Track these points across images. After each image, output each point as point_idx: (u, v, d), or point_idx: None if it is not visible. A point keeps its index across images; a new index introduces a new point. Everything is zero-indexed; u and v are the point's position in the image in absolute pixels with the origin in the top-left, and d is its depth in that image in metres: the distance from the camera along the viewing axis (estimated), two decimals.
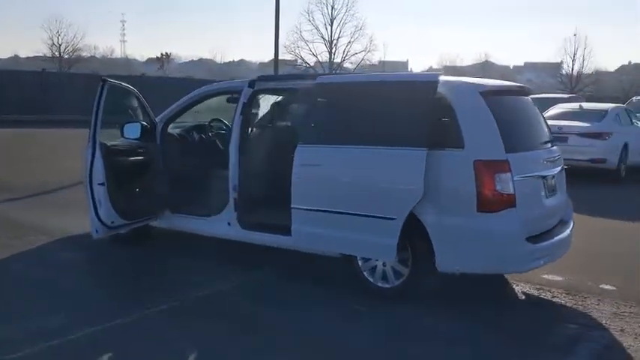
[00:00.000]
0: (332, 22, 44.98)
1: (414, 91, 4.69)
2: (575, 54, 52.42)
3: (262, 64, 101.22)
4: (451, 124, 4.63)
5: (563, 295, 5.21)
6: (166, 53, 55.22)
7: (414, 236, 4.69)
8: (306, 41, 45.06)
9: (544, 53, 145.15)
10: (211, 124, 6.87)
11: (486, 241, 4.56)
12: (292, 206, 5.08)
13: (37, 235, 6.73)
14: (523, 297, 5.24)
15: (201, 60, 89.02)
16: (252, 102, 5.81)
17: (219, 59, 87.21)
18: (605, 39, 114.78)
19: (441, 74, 4.73)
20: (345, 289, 5.13)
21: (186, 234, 6.33)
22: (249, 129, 5.92)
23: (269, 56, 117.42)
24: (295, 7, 48.30)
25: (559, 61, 55.90)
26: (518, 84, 5.42)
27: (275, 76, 7.07)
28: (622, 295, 5.17)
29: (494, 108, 4.68)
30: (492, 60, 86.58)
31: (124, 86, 5.86)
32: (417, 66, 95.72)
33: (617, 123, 12.36)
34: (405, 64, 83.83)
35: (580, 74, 51.68)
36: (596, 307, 4.94)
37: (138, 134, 5.90)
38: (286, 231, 5.19)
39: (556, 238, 4.92)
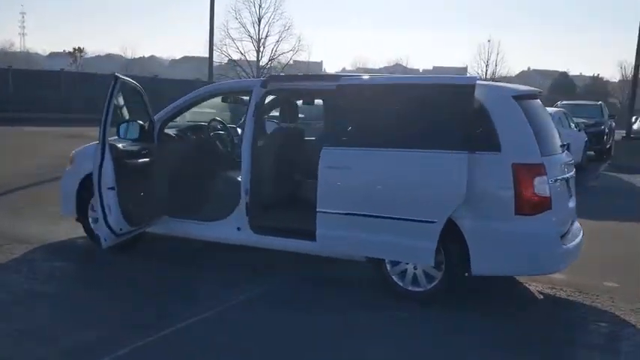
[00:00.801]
0: (259, 21, 44.52)
1: (452, 94, 4.67)
2: (488, 59, 55.25)
3: (174, 61, 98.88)
4: (486, 127, 4.66)
5: (577, 293, 5.37)
6: (79, 48, 52.58)
7: (447, 239, 4.67)
8: (233, 39, 44.35)
9: (455, 58, 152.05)
10: (210, 124, 6.57)
11: (525, 244, 4.62)
12: (318, 210, 4.94)
13: (11, 243, 6.18)
14: (541, 296, 5.36)
15: (109, 55, 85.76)
16: (264, 103, 5.60)
17: (129, 54, 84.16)
18: (507, 46, 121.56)
19: (477, 78, 4.73)
20: (369, 292, 5.08)
21: (178, 238, 6.04)
22: (262, 130, 5.69)
23: (181, 53, 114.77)
24: (222, 4, 47.25)
25: (464, 65, 58.94)
26: (534, 88, 5.54)
27: (288, 76, 6.83)
28: (628, 292, 5.40)
29: (524, 112, 4.76)
30: (403, 63, 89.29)
31: (132, 83, 5.48)
32: (331, 67, 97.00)
33: (560, 125, 13.00)
34: (319, 65, 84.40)
35: (493, 79, 54.36)
36: (613, 304, 5.11)
37: (136, 135, 5.55)
38: (309, 235, 5.04)
39: (576, 240, 5.08)
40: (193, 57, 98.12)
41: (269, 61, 44.44)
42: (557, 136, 5.45)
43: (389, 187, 4.75)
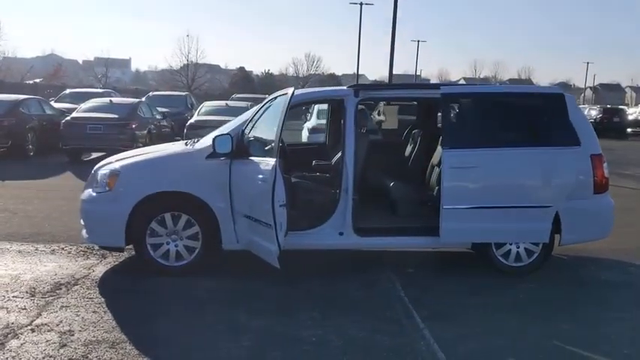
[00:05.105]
0: None
1: (548, 101, 5.75)
2: (189, 53, 56.55)
3: None
4: (569, 127, 5.79)
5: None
6: None
7: None
8: None
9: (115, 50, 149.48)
10: None
11: (600, 216, 5.91)
12: (444, 207, 5.47)
13: (60, 287, 5.18)
14: (566, 257, 6.70)
15: None
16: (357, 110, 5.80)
17: None
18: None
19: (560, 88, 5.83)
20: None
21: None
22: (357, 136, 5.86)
23: None
24: None
25: (127, 57, 60.19)
26: None
27: (378, 85, 6.89)
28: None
29: None
30: (58, 53, 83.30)
31: None
32: None
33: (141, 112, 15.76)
34: None
35: (195, 71, 55.93)
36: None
37: (229, 148, 5.29)
38: (429, 231, 5.56)
39: None
40: None
41: None
42: None
43: (512, 180, 5.58)
